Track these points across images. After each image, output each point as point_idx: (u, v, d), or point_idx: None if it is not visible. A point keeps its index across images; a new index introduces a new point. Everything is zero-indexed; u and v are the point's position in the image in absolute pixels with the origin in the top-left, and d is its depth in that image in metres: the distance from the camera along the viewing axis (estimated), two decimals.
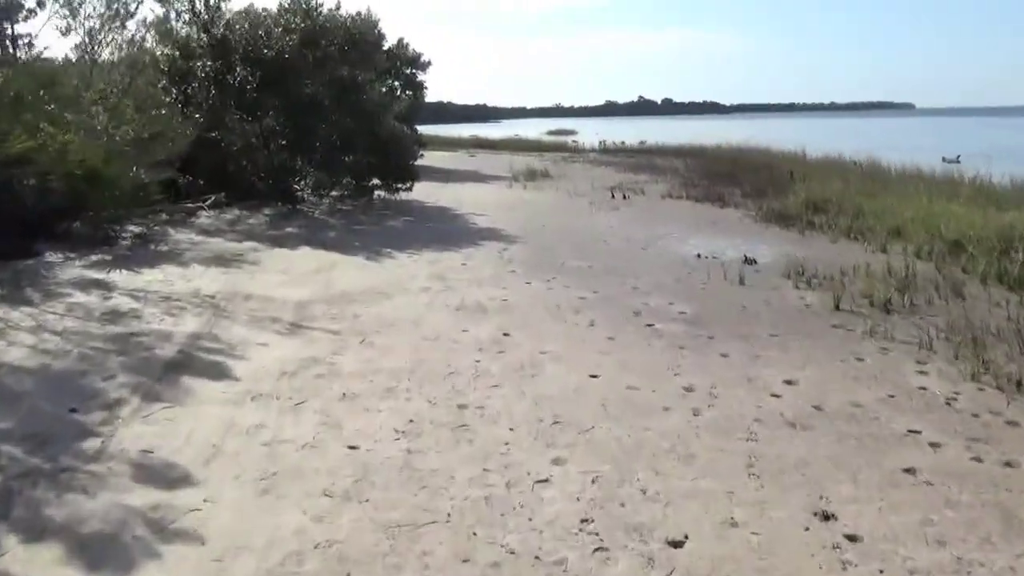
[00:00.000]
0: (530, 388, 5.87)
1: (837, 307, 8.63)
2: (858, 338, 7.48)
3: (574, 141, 48.94)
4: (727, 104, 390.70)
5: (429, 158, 34.77)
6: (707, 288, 9.69)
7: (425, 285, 9.47)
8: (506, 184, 23.62)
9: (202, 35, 14.48)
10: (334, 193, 17.00)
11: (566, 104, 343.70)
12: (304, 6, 15.27)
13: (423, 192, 20.39)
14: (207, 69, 14.37)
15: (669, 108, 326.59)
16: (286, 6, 15.59)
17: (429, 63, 31.01)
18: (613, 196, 20.33)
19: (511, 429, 5.06)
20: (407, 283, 9.57)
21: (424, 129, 64.37)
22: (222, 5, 14.81)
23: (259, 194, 15.95)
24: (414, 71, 30.89)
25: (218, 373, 6.05)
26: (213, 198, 14.87)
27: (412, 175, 17.10)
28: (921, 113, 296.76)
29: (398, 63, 30.28)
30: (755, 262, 11.43)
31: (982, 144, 52.22)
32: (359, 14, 16.40)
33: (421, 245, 12.41)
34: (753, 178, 24.35)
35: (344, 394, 5.66)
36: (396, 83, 30.81)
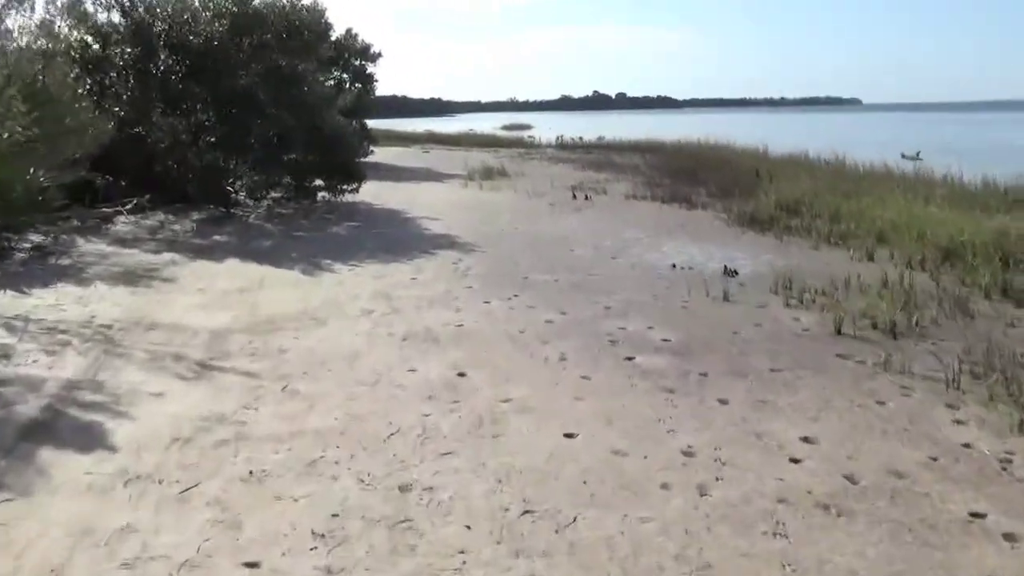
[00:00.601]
0: (492, 456, 4.65)
1: (838, 331, 7.58)
2: (871, 372, 6.42)
3: (530, 136, 47.86)
4: (680, 99, 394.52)
5: (381, 154, 33.34)
6: (689, 307, 8.57)
7: (367, 307, 8.19)
8: (461, 183, 22.34)
9: (121, 19, 12.92)
10: (273, 195, 15.56)
11: (521, 98, 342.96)
12: None
13: (372, 193, 19.00)
14: (126, 57, 12.82)
15: (623, 103, 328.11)
16: None
17: (379, 55, 29.58)
18: (575, 196, 19.19)
19: (468, 527, 3.84)
20: (346, 304, 8.27)
21: (378, 124, 62.72)
22: None
23: (189, 197, 14.46)
24: (363, 63, 29.37)
25: (89, 442, 4.71)
26: (135, 201, 13.34)
27: (359, 175, 15.73)
28: (868, 109, 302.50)
29: (346, 55, 28.74)
30: (736, 274, 10.37)
31: (934, 140, 52.52)
32: (300, 1, 14.89)
33: (366, 255, 11.11)
34: (718, 176, 23.46)
35: (251, 472, 4.37)
36: (344, 75, 29.28)
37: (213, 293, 8.59)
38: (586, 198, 19.02)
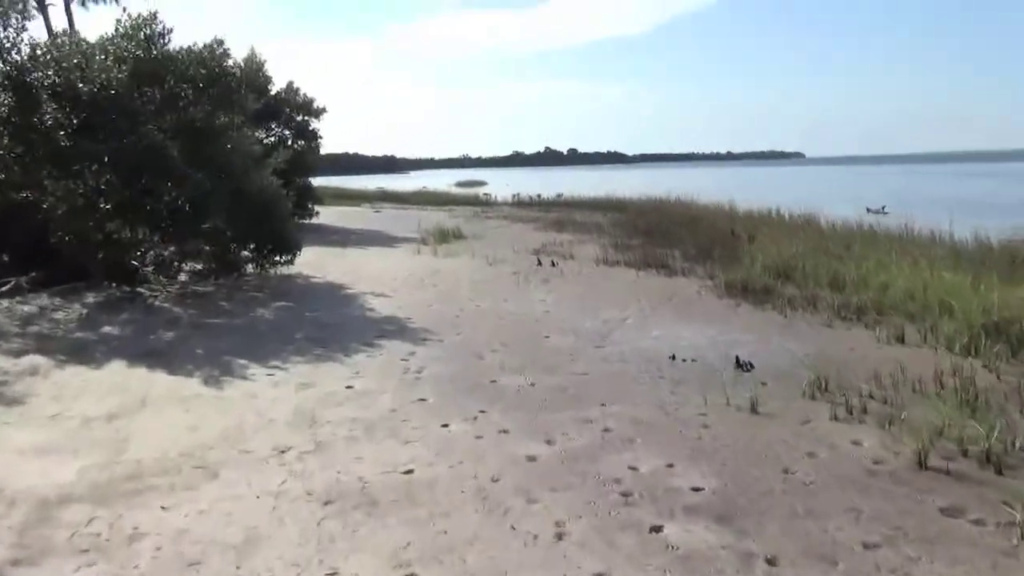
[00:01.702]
0: None
1: (922, 464, 5.61)
2: (1004, 543, 4.43)
3: (485, 194, 46.18)
4: (630, 154, 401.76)
5: (328, 215, 31.16)
6: (712, 425, 6.52)
7: (282, 441, 5.96)
8: (414, 248, 20.26)
9: None
10: (191, 269, 13.27)
11: (473, 155, 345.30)
12: (143, 33, 11.68)
13: (312, 262, 16.78)
14: (2, 108, 10.57)
15: (575, 158, 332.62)
16: (121, 32, 11.96)
17: (323, 110, 27.56)
18: (540, 263, 17.24)
19: None
20: (253, 437, 6.04)
21: (328, 181, 60.68)
22: (26, 25, 11.07)
23: (91, 274, 12.12)
24: (306, 118, 27.35)
25: None
26: (12, 283, 10.95)
27: (292, 244, 13.53)
28: (812, 162, 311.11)
29: (287, 110, 26.71)
30: (751, 367, 8.40)
31: (888, 192, 52.45)
32: (220, 44, 12.83)
33: (293, 351, 8.89)
34: (690, 236, 21.87)
35: None
36: (286, 132, 27.20)
37: (69, 423, 6.27)
38: (553, 264, 17.08)
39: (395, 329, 10.21)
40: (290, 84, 27.14)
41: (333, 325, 10.39)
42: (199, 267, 13.21)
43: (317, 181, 35.09)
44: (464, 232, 24.16)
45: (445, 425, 6.40)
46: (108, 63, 11.18)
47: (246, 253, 13.36)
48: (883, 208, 34.54)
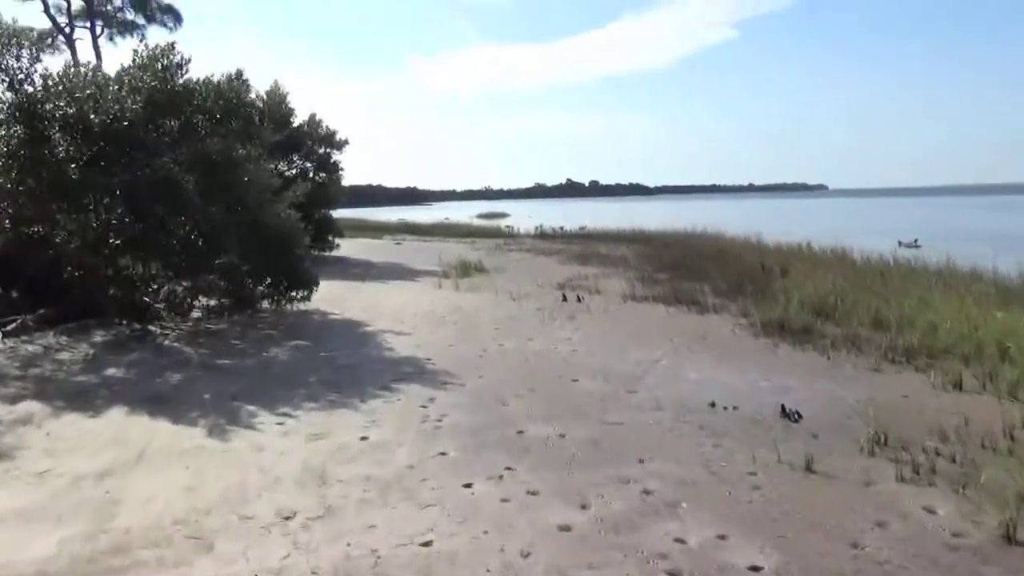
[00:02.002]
0: None
1: (1009, 538, 4.92)
2: None
3: (508, 226, 45.83)
4: (651, 186, 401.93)
5: (350, 247, 30.86)
6: (763, 487, 5.86)
7: (287, 504, 5.38)
8: (435, 282, 19.75)
9: (6, 94, 10.40)
10: (207, 304, 12.84)
11: (495, 186, 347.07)
12: (160, 63, 11.38)
13: (331, 297, 16.32)
14: (12, 140, 10.24)
15: (596, 190, 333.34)
16: (138, 63, 11.67)
17: (345, 142, 27.38)
18: (565, 299, 16.66)
19: None
20: (254, 500, 5.45)
21: (352, 213, 60.63)
22: (41, 56, 10.79)
23: (101, 310, 11.71)
24: (328, 150, 27.14)
25: None
26: (19, 320, 10.55)
27: (309, 280, 13.06)
28: (835, 194, 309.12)
29: (309, 142, 26.52)
30: (800, 417, 7.73)
31: (916, 224, 51.44)
32: (239, 75, 12.51)
33: (305, 396, 8.33)
34: (718, 270, 21.21)
35: None
36: (308, 164, 26.99)
37: (58, 482, 5.74)
38: (579, 300, 16.50)
39: (414, 371, 9.64)
40: (312, 116, 27.04)
41: (349, 367, 9.85)
42: (213, 303, 12.75)
43: (339, 213, 34.88)
44: (486, 265, 23.68)
45: (468, 485, 5.79)
46: (122, 94, 10.85)
47: (261, 289, 12.89)
48: (915, 241, 33.67)
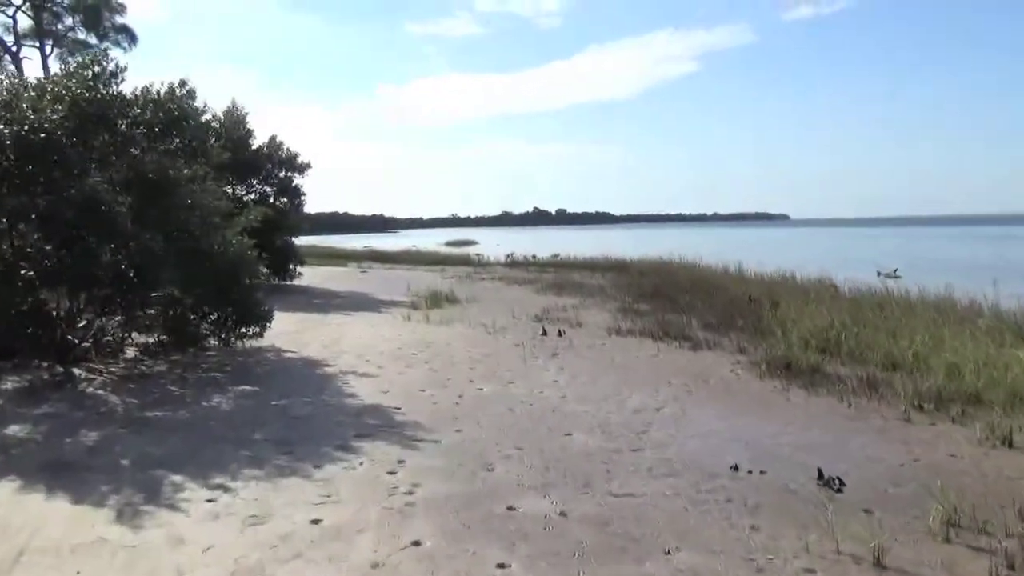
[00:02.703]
0: None
1: None
2: None
3: (478, 254, 44.56)
4: (618, 214, 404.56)
5: (313, 275, 29.30)
6: None
7: None
8: (403, 314, 18.33)
9: None
10: (145, 342, 11.31)
11: (462, 214, 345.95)
12: (89, 72, 9.97)
13: (289, 330, 14.85)
14: None
15: (564, 218, 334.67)
16: (64, 72, 10.25)
17: (307, 165, 25.94)
18: (545, 332, 15.37)
19: None
20: None
21: (316, 240, 58.95)
22: None
23: (16, 351, 10.14)
24: (289, 174, 25.69)
25: None
26: None
27: (261, 314, 11.57)
28: (798, 224, 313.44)
29: (269, 165, 25.06)
30: (841, 485, 6.48)
31: (888, 254, 51.18)
32: (183, 84, 11.09)
33: (248, 460, 6.88)
34: (702, 301, 20.14)
35: None
36: (267, 188, 25.51)
37: None
38: (560, 334, 15.21)
39: (380, 424, 8.23)
40: (273, 138, 25.63)
41: (304, 419, 8.40)
42: (151, 341, 11.22)
43: (302, 240, 33.36)
44: (458, 295, 22.33)
45: None
46: (43, 103, 9.40)
47: (206, 325, 11.39)
48: (895, 271, 33.05)
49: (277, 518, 5.47)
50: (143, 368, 10.62)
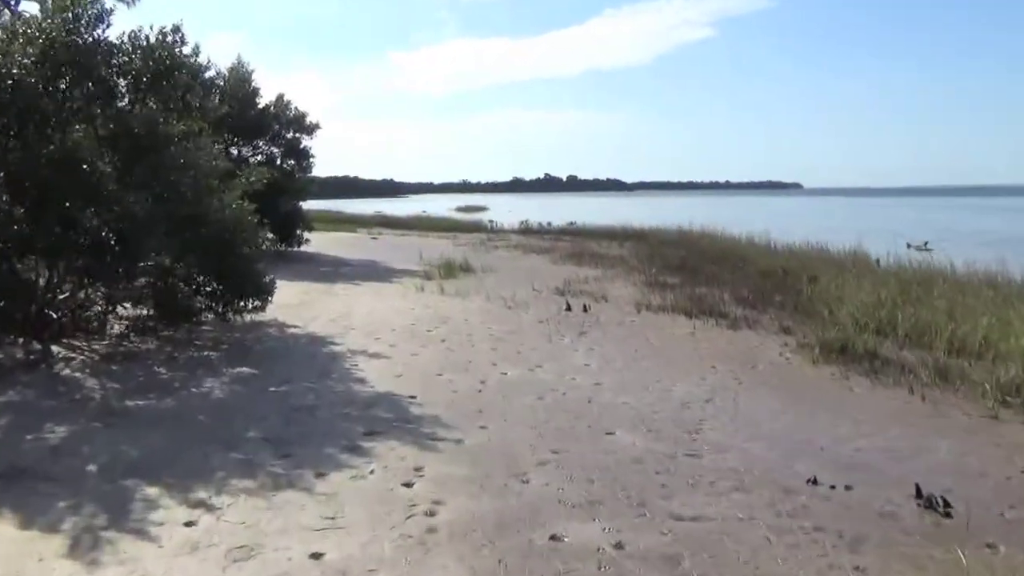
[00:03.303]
0: None
1: None
2: None
3: (491, 221, 43.30)
4: (629, 181, 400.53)
5: (321, 242, 28.22)
6: None
7: None
8: (417, 284, 17.24)
9: None
10: (138, 316, 10.28)
11: (473, 180, 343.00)
12: (69, 14, 8.79)
13: (294, 302, 13.81)
14: None
15: (574, 185, 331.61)
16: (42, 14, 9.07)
17: (316, 126, 24.67)
18: (569, 307, 14.26)
19: None
20: None
21: (325, 205, 57.74)
22: None
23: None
24: (297, 135, 24.46)
25: None
26: None
27: (261, 287, 10.47)
28: (810, 193, 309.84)
29: (276, 125, 23.84)
30: (947, 508, 5.38)
31: (911, 225, 49.54)
32: (176, 29, 9.89)
33: (238, 466, 5.83)
34: (731, 274, 19.05)
35: None
36: (274, 149, 24.32)
37: None
38: (585, 310, 14.11)
39: (393, 418, 7.17)
40: (280, 97, 24.34)
41: (306, 410, 7.35)
42: (140, 315, 10.18)
43: (310, 205, 32.22)
44: (472, 264, 21.20)
45: None
46: (13, 47, 8.25)
47: (201, 298, 10.32)
48: (926, 244, 31.69)
49: (268, 551, 4.43)
50: (130, 346, 9.57)
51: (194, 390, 7.93)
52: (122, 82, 9.38)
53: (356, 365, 9.28)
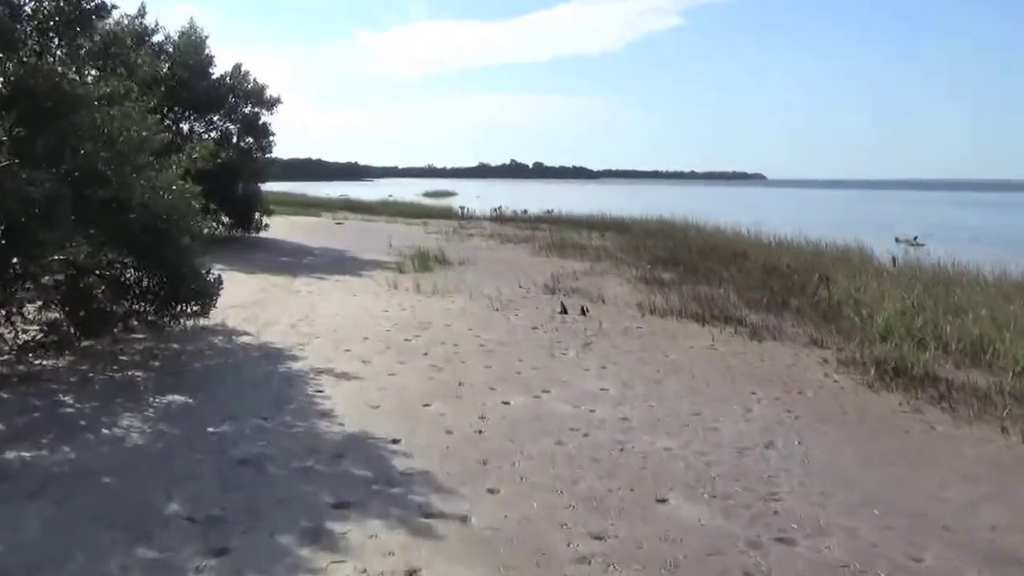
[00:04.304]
0: None
1: None
2: None
3: (462, 207, 41.26)
4: (595, 169, 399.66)
5: (282, 227, 26.07)
6: None
7: None
8: (388, 278, 15.33)
9: None
10: (46, 322, 8.27)
11: (438, 165, 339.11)
12: None
13: (248, 299, 11.90)
14: None
15: (540, 171, 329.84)
16: None
17: (277, 100, 22.46)
18: (564, 310, 12.51)
19: None
20: None
21: (289, 187, 55.13)
22: None
23: None
24: (256, 110, 22.25)
25: None
26: None
27: (202, 289, 8.50)
28: (774, 184, 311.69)
29: (232, 98, 21.61)
30: None
31: (890, 219, 48.63)
32: None
33: (147, 568, 3.98)
34: (724, 268, 17.60)
35: None
36: (230, 125, 22.10)
37: None
38: (583, 312, 12.38)
39: (371, 477, 5.34)
40: (237, 67, 22.07)
41: (252, 464, 5.49)
42: (38, 327, 8.15)
43: (271, 187, 30.02)
44: (447, 255, 19.33)
45: None
46: None
47: (125, 302, 8.32)
48: (915, 239, 30.56)
49: None
50: (35, 366, 7.57)
51: (105, 432, 6.00)
52: (23, 27, 7.34)
53: (320, 390, 7.42)
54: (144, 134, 8.16)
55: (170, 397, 6.94)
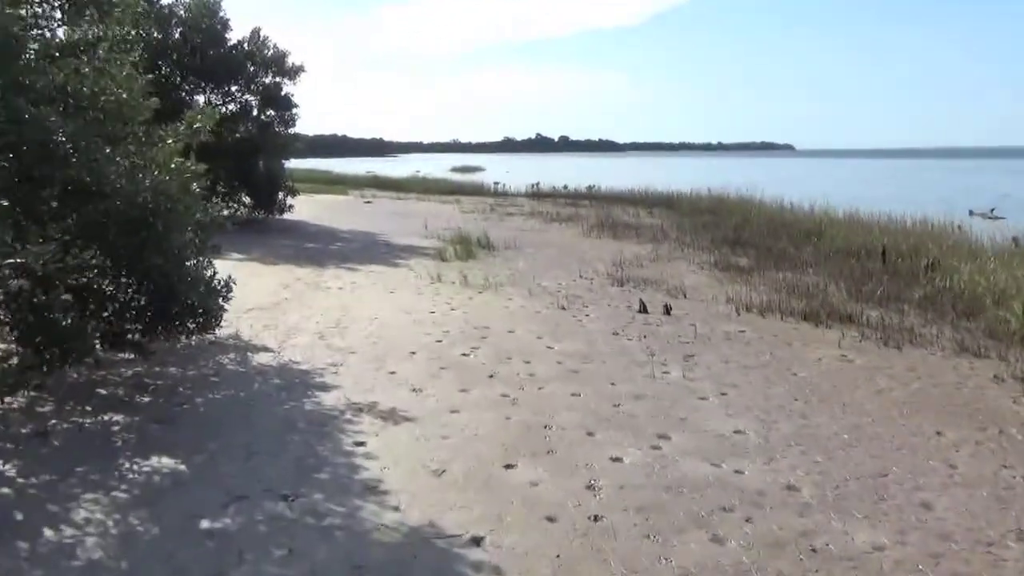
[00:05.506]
0: None
1: None
2: None
3: (496, 183, 39.08)
4: (622, 142, 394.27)
5: (308, 207, 24.19)
6: None
7: None
8: (430, 269, 13.30)
9: None
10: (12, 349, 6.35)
11: (463, 139, 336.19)
12: None
13: (267, 299, 9.96)
14: None
15: (566, 145, 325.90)
16: None
17: (300, 68, 20.36)
18: (644, 309, 10.43)
19: None
20: None
21: (313, 164, 53.19)
22: None
23: None
24: (277, 80, 20.19)
25: None
26: None
27: (204, 303, 6.48)
28: (804, 155, 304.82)
29: (251, 66, 19.57)
30: None
31: (951, 191, 45.56)
32: None
33: None
34: (797, 248, 15.59)
35: None
36: (249, 97, 20.10)
37: None
38: (667, 311, 10.29)
39: None
40: (256, 32, 20.00)
41: None
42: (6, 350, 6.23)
43: (294, 164, 28.07)
44: (492, 239, 17.25)
45: None
46: None
47: (100, 323, 6.35)
48: (992, 211, 27.98)
49: None
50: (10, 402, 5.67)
51: (48, 535, 4.04)
52: None
53: (361, 442, 5.43)
54: (124, 96, 6.14)
55: (154, 461, 4.98)
